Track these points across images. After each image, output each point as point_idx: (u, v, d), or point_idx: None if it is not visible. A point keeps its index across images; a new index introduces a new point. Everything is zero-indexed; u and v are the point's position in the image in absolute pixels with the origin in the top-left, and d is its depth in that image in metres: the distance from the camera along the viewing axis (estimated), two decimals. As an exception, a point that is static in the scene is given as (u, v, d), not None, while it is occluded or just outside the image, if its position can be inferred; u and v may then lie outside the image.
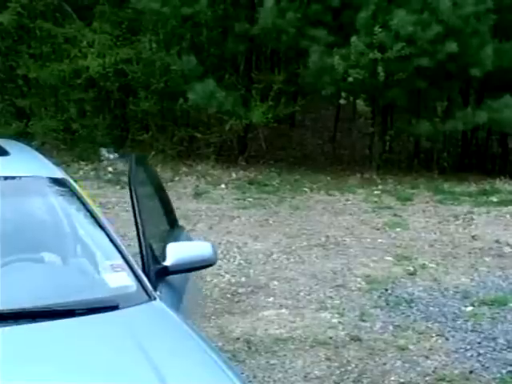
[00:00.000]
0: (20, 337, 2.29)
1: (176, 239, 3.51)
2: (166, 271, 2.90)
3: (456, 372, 4.46)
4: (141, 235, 2.90)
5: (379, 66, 10.79)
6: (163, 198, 4.02)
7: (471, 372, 4.46)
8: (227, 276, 6.15)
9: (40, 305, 2.45)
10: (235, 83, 12.83)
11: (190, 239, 4.05)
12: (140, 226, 2.91)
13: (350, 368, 4.46)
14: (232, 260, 6.72)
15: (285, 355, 4.60)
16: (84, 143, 12.42)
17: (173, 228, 3.89)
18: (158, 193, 3.92)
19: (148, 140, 12.65)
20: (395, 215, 8.97)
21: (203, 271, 6.22)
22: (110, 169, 11.33)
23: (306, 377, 4.36)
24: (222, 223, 8.31)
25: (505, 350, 4.77)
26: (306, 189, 10.56)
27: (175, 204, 9.56)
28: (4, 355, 2.13)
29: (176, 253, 2.94)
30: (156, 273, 2.86)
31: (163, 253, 2.96)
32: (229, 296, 5.66)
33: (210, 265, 3.11)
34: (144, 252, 2.88)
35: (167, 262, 2.90)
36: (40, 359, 2.20)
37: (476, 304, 5.65)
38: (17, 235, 2.82)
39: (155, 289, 2.76)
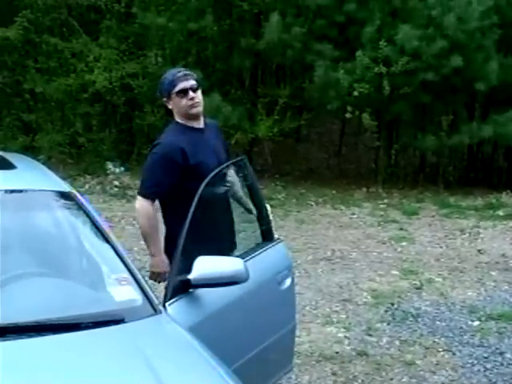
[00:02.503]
0: (23, 351, 2.29)
1: (254, 253, 3.41)
2: (188, 284, 2.83)
3: (463, 387, 4.43)
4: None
5: (384, 81, 10.82)
6: (259, 208, 3.75)
7: (478, 387, 4.43)
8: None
9: (45, 318, 2.45)
10: (241, 97, 12.87)
11: (282, 256, 3.80)
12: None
13: (356, 383, 4.44)
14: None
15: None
16: (90, 157, 12.45)
17: (267, 241, 3.69)
18: (254, 201, 3.75)
19: (154, 154, 12.67)
20: (401, 229, 8.95)
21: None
22: (115, 183, 11.34)
23: (312, 392, 4.34)
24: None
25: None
26: (312, 203, 10.56)
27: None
28: (5, 370, 2.11)
29: (203, 266, 2.83)
30: (178, 284, 2.82)
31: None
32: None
33: (240, 282, 2.92)
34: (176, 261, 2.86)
35: (191, 275, 2.82)
36: (43, 374, 2.19)
37: (483, 319, 5.62)
38: (23, 249, 2.82)
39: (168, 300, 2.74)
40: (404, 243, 8.16)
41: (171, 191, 3.65)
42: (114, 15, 12.89)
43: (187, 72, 3.71)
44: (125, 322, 2.52)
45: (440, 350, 4.97)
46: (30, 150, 10.94)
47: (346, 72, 10.91)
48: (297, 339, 5.04)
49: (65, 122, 13.09)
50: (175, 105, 3.68)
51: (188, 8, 12.32)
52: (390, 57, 10.78)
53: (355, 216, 9.83)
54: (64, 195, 3.12)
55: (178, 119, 3.75)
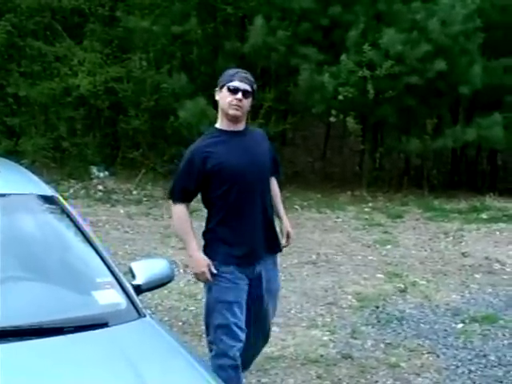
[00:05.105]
0: (5, 356, 2.26)
1: None
2: (139, 290, 2.89)
3: (447, 389, 4.45)
4: None
5: (369, 84, 10.86)
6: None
7: (463, 389, 4.45)
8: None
9: (28, 323, 2.43)
10: (226, 101, 12.85)
11: None
12: None
13: (341, 386, 4.44)
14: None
15: (276, 373, 4.57)
16: (74, 161, 12.40)
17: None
18: None
19: (139, 158, 12.65)
20: (386, 232, 8.98)
21: (194, 290, 6.20)
22: (100, 187, 11.30)
23: (297, 395, 4.34)
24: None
25: (496, 366, 4.76)
26: (297, 206, 10.56)
27: (165, 222, 9.57)
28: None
29: (144, 271, 2.95)
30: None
31: (131, 271, 2.96)
32: (219, 314, 5.62)
33: (172, 280, 3.14)
34: None
35: (139, 281, 2.90)
36: (24, 379, 2.17)
37: (467, 321, 5.64)
38: (6, 252, 2.80)
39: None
40: (388, 246, 8.18)
41: (205, 194, 3.74)
42: (98, 19, 12.85)
43: (250, 78, 3.74)
44: (108, 326, 2.51)
45: (424, 352, 4.98)
46: (14, 154, 10.85)
47: (330, 76, 10.95)
48: (282, 342, 5.06)
49: (49, 125, 13.02)
50: (221, 98, 3.71)
51: (172, 11, 12.32)
52: (375, 61, 10.83)
53: (340, 219, 9.85)
54: (47, 199, 3.11)
55: (218, 123, 3.80)
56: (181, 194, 3.75)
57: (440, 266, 7.41)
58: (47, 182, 3.46)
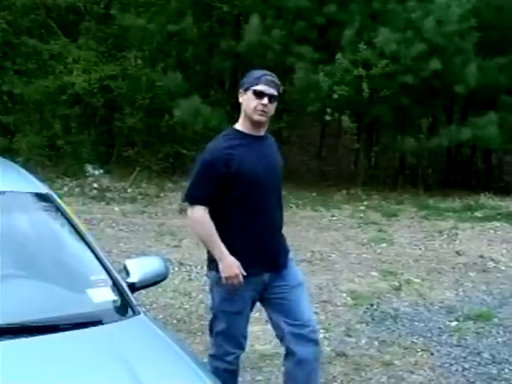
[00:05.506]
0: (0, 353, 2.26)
1: None
2: (133, 288, 2.88)
3: (441, 387, 4.46)
4: None
5: (364, 83, 10.87)
6: None
7: (456, 387, 4.46)
8: (213, 292, 6.11)
9: (22, 320, 2.43)
10: (221, 100, 12.87)
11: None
12: None
13: (335, 383, 4.45)
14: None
15: (270, 371, 4.58)
16: (69, 159, 12.39)
17: None
18: None
19: (133, 156, 12.65)
20: (380, 231, 9.00)
21: (189, 287, 6.20)
22: (95, 185, 11.29)
23: (291, 393, 4.33)
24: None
25: (489, 364, 4.77)
26: (292, 205, 10.57)
27: (160, 220, 9.57)
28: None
29: (138, 269, 2.93)
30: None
31: (125, 269, 2.96)
32: (214, 312, 5.62)
33: (166, 277, 3.10)
34: None
35: (133, 279, 2.88)
36: (18, 376, 2.17)
37: (461, 319, 5.66)
38: (0, 250, 2.80)
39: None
40: (383, 245, 8.20)
41: (220, 197, 3.47)
42: (93, 16, 12.84)
43: (276, 81, 3.54)
44: (103, 324, 2.51)
45: (418, 350, 5.00)
46: (8, 152, 10.84)
47: (325, 74, 10.96)
48: (276, 340, 5.05)
49: (43, 123, 13.02)
50: (246, 101, 3.51)
51: (167, 10, 12.32)
52: (370, 60, 10.85)
53: (335, 218, 9.86)
54: (41, 197, 3.10)
55: (238, 124, 3.59)
56: (200, 197, 3.46)
57: (434, 264, 7.43)
58: (42, 180, 3.45)
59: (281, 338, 3.64)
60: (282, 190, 3.73)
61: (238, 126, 3.59)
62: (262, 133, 3.62)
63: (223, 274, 3.44)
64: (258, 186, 3.47)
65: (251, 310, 3.64)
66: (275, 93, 3.51)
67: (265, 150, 3.63)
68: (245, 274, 3.42)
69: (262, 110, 3.47)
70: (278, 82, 3.57)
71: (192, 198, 3.51)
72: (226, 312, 3.51)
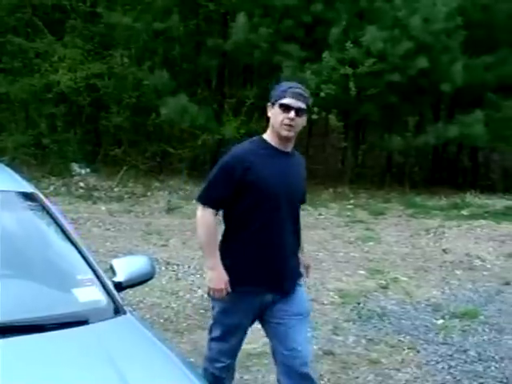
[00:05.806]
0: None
1: None
2: (120, 287, 2.87)
3: (428, 385, 4.48)
4: None
5: (351, 82, 10.89)
6: None
7: (443, 384, 4.48)
8: (199, 291, 6.11)
9: (7, 320, 2.41)
10: (208, 98, 12.86)
11: None
12: None
13: (322, 382, 4.45)
14: (205, 275, 6.68)
15: (258, 370, 4.58)
16: (55, 158, 12.34)
17: None
18: None
19: (120, 155, 12.61)
20: (368, 229, 9.02)
21: (176, 287, 6.19)
22: (81, 184, 11.25)
23: (278, 391, 4.33)
24: (195, 238, 8.27)
25: (476, 362, 4.80)
26: (279, 203, 10.56)
27: (147, 219, 9.54)
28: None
29: (125, 268, 2.92)
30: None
31: (112, 268, 2.94)
32: (202, 311, 5.62)
33: (153, 277, 3.06)
34: None
35: (119, 278, 2.87)
36: (2, 376, 2.16)
37: (447, 317, 5.68)
38: (-15, 250, 2.78)
39: None
40: (370, 243, 8.22)
41: (232, 203, 3.40)
42: (79, 15, 12.79)
43: (305, 94, 3.41)
44: (89, 323, 2.50)
45: (405, 348, 5.02)
46: (-6, 151, 10.80)
47: (312, 73, 10.97)
48: (263, 339, 5.05)
49: (29, 122, 12.96)
50: (273, 115, 3.41)
51: (154, 8, 12.28)
52: (357, 58, 10.87)
53: (322, 216, 9.88)
54: (27, 196, 3.09)
55: (267, 134, 3.49)
56: (213, 198, 3.38)
57: (421, 262, 7.46)
58: (28, 179, 3.43)
59: (276, 362, 3.59)
60: (300, 212, 3.61)
61: (267, 136, 3.48)
62: (288, 149, 3.49)
63: (209, 284, 3.40)
64: (269, 201, 3.35)
65: (250, 325, 3.59)
66: (303, 106, 3.37)
67: (289, 167, 3.49)
68: (229, 290, 3.33)
69: (289, 125, 3.35)
70: (307, 95, 3.44)
71: (204, 199, 3.41)
72: (223, 323, 3.47)
